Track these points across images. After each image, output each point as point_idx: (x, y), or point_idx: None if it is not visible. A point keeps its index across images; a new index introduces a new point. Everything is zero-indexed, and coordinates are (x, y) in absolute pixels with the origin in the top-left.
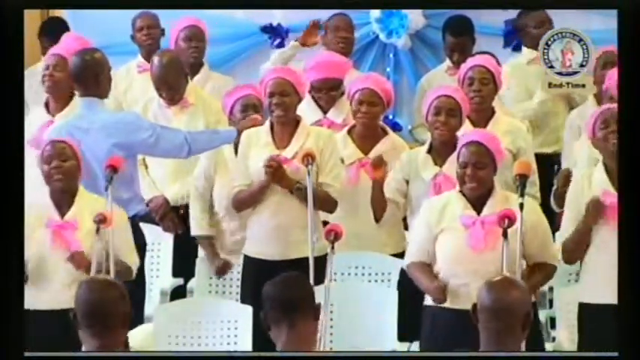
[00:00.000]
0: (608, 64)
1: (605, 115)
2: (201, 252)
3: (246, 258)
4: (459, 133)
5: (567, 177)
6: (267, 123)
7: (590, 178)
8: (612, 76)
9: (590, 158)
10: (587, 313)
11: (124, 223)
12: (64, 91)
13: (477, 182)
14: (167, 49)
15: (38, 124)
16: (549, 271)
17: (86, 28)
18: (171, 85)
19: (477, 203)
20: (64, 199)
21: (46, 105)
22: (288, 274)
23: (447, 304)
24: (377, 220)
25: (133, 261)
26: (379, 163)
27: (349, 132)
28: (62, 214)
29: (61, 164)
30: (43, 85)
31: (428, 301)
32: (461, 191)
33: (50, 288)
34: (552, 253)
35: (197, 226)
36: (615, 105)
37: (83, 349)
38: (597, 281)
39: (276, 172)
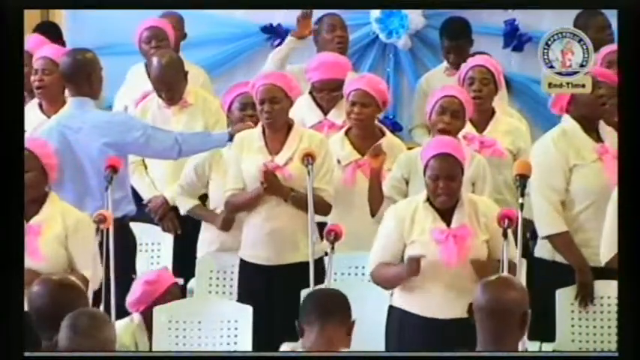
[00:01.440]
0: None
1: None
2: (200, 252)
3: (242, 261)
4: (424, 141)
5: None
6: (260, 127)
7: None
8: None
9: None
10: None
11: (86, 231)
12: (56, 93)
13: (449, 195)
14: (166, 50)
15: (34, 124)
16: (510, 268)
17: (86, 28)
18: (171, 85)
19: (446, 214)
20: (30, 204)
21: (40, 106)
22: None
23: (415, 311)
24: (373, 214)
25: (89, 274)
26: (378, 152)
27: (347, 133)
28: (28, 218)
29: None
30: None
31: (394, 301)
32: (428, 201)
33: None
34: (514, 251)
35: (185, 203)
36: None
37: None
38: None
39: (270, 183)
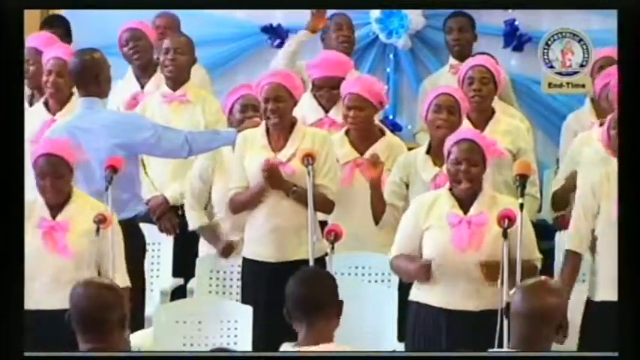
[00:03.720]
0: (606, 68)
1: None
2: (201, 252)
3: (245, 260)
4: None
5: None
6: (263, 125)
7: (594, 193)
8: (607, 75)
9: (599, 161)
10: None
11: (116, 225)
12: (67, 94)
13: (471, 180)
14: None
15: (39, 122)
16: (530, 268)
17: (86, 28)
18: (177, 65)
19: (465, 203)
20: (56, 204)
21: (45, 104)
22: (310, 271)
23: (430, 302)
24: (376, 222)
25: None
26: (376, 162)
27: (347, 132)
28: (54, 215)
29: (54, 182)
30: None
31: (412, 296)
32: (450, 190)
33: (36, 288)
34: (536, 253)
35: (195, 220)
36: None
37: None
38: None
39: (272, 176)
